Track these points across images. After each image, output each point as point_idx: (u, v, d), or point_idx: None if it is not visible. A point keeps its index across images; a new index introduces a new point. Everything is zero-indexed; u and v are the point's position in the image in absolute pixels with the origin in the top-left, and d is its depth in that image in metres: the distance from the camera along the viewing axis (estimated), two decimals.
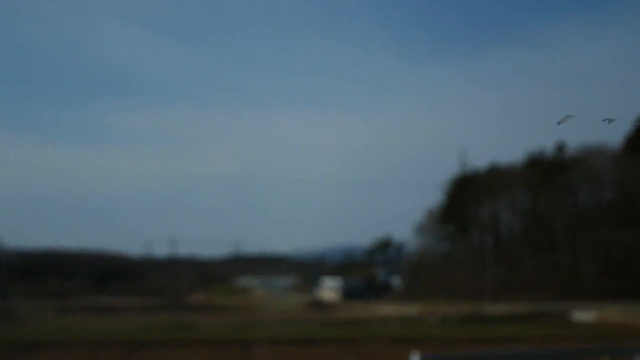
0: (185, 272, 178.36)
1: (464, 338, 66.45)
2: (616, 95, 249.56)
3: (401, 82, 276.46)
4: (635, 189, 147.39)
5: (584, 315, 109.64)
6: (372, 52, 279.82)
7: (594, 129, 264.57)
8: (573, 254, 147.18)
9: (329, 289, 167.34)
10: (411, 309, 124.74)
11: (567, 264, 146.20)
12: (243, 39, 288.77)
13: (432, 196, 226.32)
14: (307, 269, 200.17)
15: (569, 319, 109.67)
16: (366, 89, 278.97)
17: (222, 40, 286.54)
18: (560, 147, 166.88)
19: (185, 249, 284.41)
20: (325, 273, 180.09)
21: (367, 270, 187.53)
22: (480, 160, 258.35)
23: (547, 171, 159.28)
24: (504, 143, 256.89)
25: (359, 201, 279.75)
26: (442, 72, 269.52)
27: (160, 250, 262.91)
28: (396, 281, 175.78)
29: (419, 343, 57.91)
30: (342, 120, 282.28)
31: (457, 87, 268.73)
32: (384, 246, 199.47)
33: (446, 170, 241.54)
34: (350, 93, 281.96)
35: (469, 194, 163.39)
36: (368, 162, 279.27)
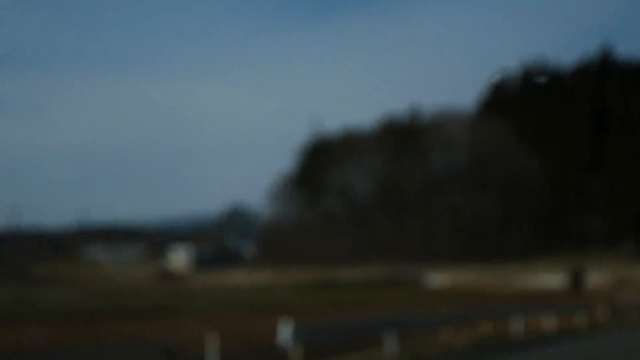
0: (29, 243, 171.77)
1: (320, 304, 65.25)
2: (470, 60, 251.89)
3: (254, 45, 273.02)
4: (488, 153, 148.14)
5: (438, 278, 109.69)
6: (225, 16, 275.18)
7: (448, 93, 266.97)
8: (427, 218, 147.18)
9: (180, 258, 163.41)
10: (265, 277, 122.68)
11: (421, 228, 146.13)
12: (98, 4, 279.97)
13: (286, 161, 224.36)
14: (156, 238, 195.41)
15: (422, 282, 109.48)
16: (217, 52, 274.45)
17: (76, 5, 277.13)
18: (415, 112, 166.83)
19: (30, 219, 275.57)
20: (175, 242, 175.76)
21: (218, 238, 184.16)
22: (334, 124, 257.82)
23: (402, 136, 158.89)
24: (359, 107, 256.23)
25: (209, 167, 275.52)
26: (296, 35, 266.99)
27: (1, 220, 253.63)
28: (249, 249, 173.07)
29: (275, 311, 55.91)
30: (192, 86, 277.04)
31: (311, 51, 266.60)
32: (236, 213, 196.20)
33: (300, 134, 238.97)
34: (201, 57, 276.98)
35: (322, 158, 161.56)
36: (218, 127, 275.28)
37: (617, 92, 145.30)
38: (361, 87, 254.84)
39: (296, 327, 20.25)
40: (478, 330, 29.04)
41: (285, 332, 20.15)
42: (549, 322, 34.17)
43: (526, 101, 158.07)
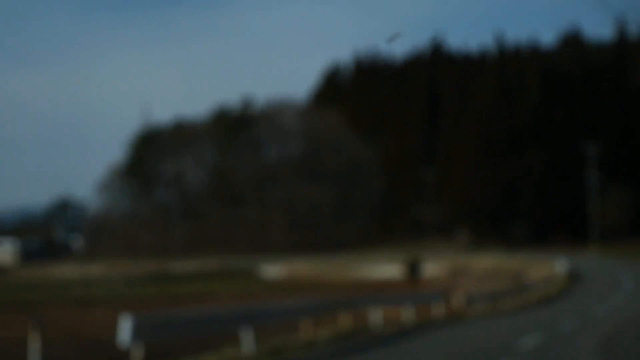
0: None
1: (153, 297, 63.55)
2: (303, 51, 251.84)
3: (84, 35, 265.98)
4: (322, 143, 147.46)
5: (273, 269, 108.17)
6: (53, 4, 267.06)
7: (283, 84, 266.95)
8: (260, 209, 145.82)
9: (5, 251, 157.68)
10: (95, 270, 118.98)
11: (254, 219, 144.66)
12: None
13: (116, 153, 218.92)
14: None
15: (258, 273, 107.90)
16: (45, 42, 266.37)
17: None
18: (247, 102, 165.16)
19: None
20: (0, 235, 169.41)
21: (46, 231, 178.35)
22: (166, 115, 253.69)
23: (234, 126, 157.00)
24: (190, 98, 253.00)
25: (37, 159, 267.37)
26: (126, 27, 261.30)
27: None
28: (78, 241, 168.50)
29: (105, 304, 53.87)
30: (18, 75, 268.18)
31: (141, 42, 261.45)
32: (64, 205, 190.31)
33: (131, 125, 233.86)
34: (27, 46, 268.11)
35: (154, 149, 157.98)
36: (46, 118, 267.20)
37: (448, 82, 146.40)
38: (194, 78, 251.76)
39: (137, 323, 17.32)
40: (338, 324, 26.88)
41: (125, 328, 17.19)
42: (407, 313, 32.34)
43: (360, 91, 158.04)
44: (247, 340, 20.16)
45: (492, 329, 31.03)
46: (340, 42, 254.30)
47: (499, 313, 41.47)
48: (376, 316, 29.09)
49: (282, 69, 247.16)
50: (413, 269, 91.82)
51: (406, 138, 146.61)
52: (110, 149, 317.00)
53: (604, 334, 28.75)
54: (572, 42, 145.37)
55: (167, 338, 19.22)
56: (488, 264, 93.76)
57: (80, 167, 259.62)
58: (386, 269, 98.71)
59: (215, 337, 21.98)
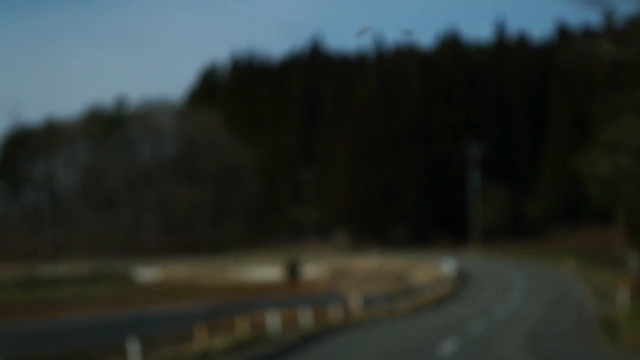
0: None
1: (21, 303, 60.98)
2: (180, 52, 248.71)
3: None
4: (198, 144, 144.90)
5: (148, 273, 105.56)
6: None
7: (157, 84, 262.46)
8: (134, 211, 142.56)
9: None
10: None
11: (128, 221, 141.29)
12: None
13: None
14: None
15: (133, 277, 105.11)
16: None
17: None
18: (121, 102, 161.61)
19: None
20: None
21: None
22: (36, 115, 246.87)
23: (107, 126, 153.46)
24: (63, 98, 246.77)
25: None
26: None
27: None
28: None
29: None
30: None
31: (6, 41, 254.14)
32: None
33: None
34: None
35: (22, 150, 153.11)
36: None
37: (327, 83, 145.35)
38: (66, 78, 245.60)
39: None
40: (234, 330, 24.21)
41: None
42: (305, 317, 29.83)
43: (237, 92, 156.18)
44: (133, 352, 17.25)
45: (401, 332, 28.99)
46: (217, 43, 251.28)
47: (397, 316, 39.43)
48: (274, 321, 26.51)
49: (158, 69, 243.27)
50: (293, 271, 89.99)
51: (284, 139, 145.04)
52: None
53: (520, 334, 27.70)
54: (451, 44, 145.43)
55: (36, 352, 16.16)
56: (370, 266, 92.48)
57: None
58: (265, 271, 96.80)
59: (96, 349, 19.12)
